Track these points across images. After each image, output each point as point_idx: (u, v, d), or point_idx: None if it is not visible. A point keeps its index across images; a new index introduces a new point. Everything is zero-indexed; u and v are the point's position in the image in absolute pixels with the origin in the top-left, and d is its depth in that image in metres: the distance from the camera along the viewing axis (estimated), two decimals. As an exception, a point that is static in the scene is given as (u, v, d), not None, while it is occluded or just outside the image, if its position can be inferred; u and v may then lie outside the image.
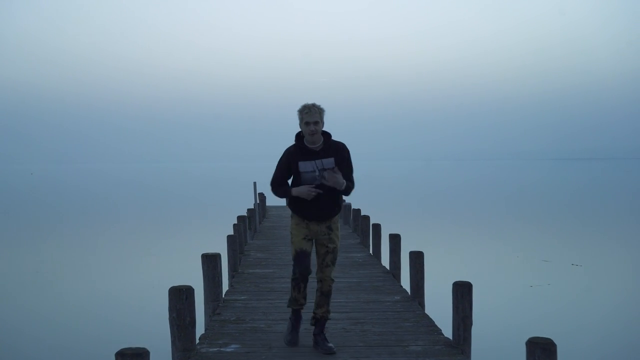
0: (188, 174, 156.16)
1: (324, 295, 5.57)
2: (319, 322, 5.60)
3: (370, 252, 12.07)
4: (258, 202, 17.21)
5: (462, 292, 5.64)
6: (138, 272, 17.63)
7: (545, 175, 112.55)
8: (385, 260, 11.09)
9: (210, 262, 7.36)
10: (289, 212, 22.16)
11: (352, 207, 16.01)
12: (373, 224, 12.16)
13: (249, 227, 14.74)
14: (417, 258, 7.85)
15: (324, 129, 5.41)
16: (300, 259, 5.43)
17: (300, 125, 5.37)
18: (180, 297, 5.13)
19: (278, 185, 5.51)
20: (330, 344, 5.51)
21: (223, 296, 7.76)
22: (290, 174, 5.49)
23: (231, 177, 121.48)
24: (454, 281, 5.82)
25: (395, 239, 9.77)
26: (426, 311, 7.39)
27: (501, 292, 14.05)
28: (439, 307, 8.15)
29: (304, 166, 5.37)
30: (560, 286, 14.90)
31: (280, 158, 5.52)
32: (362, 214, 13.94)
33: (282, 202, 25.84)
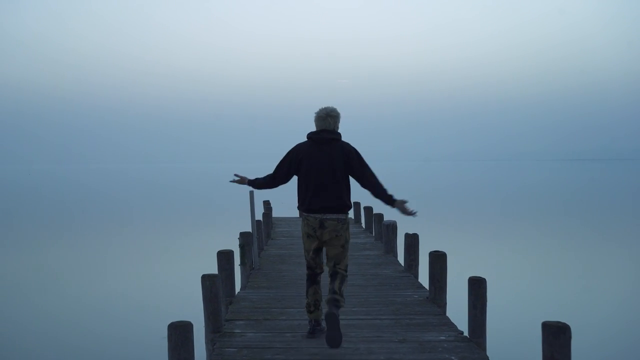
0: (193, 173, 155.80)
1: None
2: None
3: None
4: (259, 218, 11.93)
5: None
6: (144, 273, 17.08)
7: (546, 175, 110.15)
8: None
9: None
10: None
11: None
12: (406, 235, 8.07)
13: (242, 261, 9.53)
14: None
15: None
16: None
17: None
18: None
19: None
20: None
21: None
22: None
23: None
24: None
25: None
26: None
27: (520, 289, 14.21)
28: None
29: None
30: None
31: None
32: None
33: (296, 212, 20.03)
